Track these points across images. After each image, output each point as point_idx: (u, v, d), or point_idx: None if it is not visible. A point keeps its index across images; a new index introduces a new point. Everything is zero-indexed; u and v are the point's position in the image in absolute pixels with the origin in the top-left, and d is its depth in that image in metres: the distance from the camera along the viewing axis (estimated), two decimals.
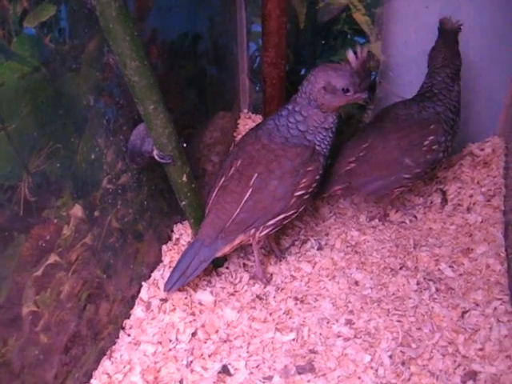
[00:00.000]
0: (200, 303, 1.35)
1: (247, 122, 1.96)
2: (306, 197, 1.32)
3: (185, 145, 1.21)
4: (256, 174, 1.29)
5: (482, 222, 1.57)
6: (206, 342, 1.26)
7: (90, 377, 1.19)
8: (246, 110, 2.00)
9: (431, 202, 1.67)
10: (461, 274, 1.42)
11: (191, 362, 1.22)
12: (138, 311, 1.32)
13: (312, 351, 1.24)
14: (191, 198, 1.30)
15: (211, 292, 1.37)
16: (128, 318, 1.32)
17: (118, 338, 1.28)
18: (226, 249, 1.31)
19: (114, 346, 1.26)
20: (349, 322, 1.30)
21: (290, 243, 1.55)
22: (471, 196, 1.65)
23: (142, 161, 1.22)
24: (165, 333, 1.28)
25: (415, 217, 1.63)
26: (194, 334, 1.28)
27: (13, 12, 0.82)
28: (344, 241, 1.55)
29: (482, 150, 1.76)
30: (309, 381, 1.17)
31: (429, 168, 1.48)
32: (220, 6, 1.66)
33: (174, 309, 1.32)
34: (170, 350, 1.25)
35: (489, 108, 1.75)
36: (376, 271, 1.44)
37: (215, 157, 1.72)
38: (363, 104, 1.77)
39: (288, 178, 1.28)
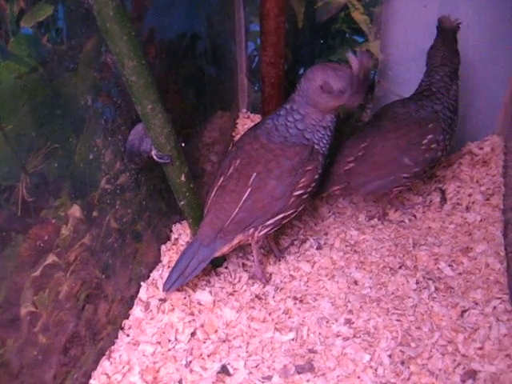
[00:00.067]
0: (199, 303, 1.35)
1: (246, 121, 1.96)
2: (305, 196, 1.32)
3: (183, 144, 1.21)
4: (255, 174, 1.29)
5: (481, 220, 1.56)
6: (205, 342, 1.26)
7: (89, 377, 1.19)
8: (244, 110, 2.00)
9: (430, 201, 1.67)
10: (460, 273, 1.42)
11: (190, 362, 1.22)
12: (136, 311, 1.32)
13: (311, 351, 1.24)
14: (190, 197, 1.29)
15: (210, 292, 1.36)
16: (127, 318, 1.32)
17: (116, 338, 1.28)
18: (225, 249, 1.31)
19: (112, 347, 1.26)
20: (348, 322, 1.30)
21: (289, 243, 1.55)
22: (470, 195, 1.64)
23: (141, 161, 1.22)
24: (164, 333, 1.28)
25: (414, 216, 1.63)
26: (193, 334, 1.28)
27: (10, 12, 0.82)
28: (343, 240, 1.55)
29: (481, 148, 1.75)
30: (308, 380, 1.17)
31: (427, 167, 1.48)
32: (218, 5, 1.66)
33: (173, 309, 1.32)
34: (169, 350, 1.25)
35: (487, 107, 1.74)
36: (375, 270, 1.44)
37: (214, 156, 1.72)
38: (361, 104, 1.77)
39: (287, 177, 1.28)
